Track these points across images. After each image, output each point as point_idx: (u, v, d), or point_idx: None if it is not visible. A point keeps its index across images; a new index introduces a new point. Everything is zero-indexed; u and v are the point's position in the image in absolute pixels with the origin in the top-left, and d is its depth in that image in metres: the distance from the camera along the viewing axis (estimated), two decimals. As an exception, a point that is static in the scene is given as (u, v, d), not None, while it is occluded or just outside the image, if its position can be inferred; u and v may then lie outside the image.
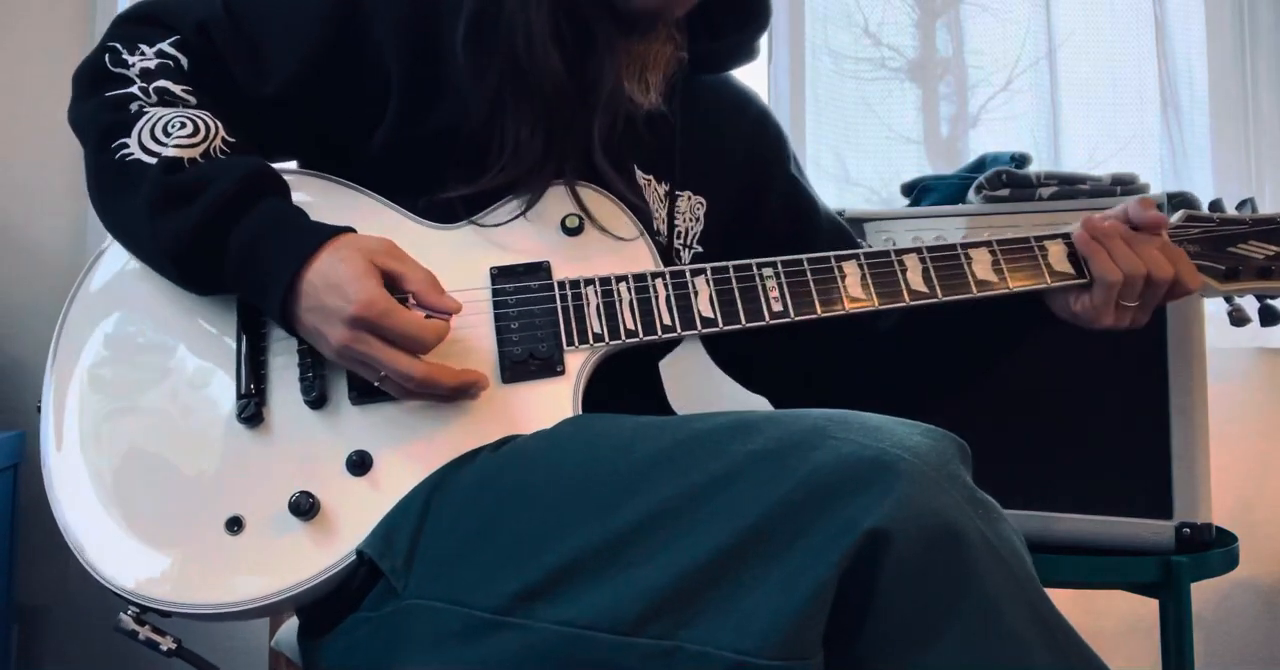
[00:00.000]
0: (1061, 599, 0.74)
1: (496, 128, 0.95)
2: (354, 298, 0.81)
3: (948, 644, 0.66)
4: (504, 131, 0.95)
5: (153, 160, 0.88)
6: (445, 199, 0.95)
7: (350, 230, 0.87)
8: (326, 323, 0.82)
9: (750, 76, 1.21)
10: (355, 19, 0.95)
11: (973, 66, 2.15)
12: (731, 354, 1.19)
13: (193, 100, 0.94)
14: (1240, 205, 1.06)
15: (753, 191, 1.14)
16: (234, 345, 0.90)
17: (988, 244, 0.98)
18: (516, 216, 0.96)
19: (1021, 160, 1.48)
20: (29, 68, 2.03)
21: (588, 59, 0.96)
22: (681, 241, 1.08)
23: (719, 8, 1.07)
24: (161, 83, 0.93)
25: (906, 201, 1.61)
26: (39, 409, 0.91)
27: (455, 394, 0.86)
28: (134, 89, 0.93)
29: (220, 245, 0.85)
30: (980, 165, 1.54)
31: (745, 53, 1.13)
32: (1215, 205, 1.06)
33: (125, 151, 0.89)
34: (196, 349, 0.91)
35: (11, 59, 2.03)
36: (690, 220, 1.09)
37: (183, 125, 0.90)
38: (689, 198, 1.09)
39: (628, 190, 0.99)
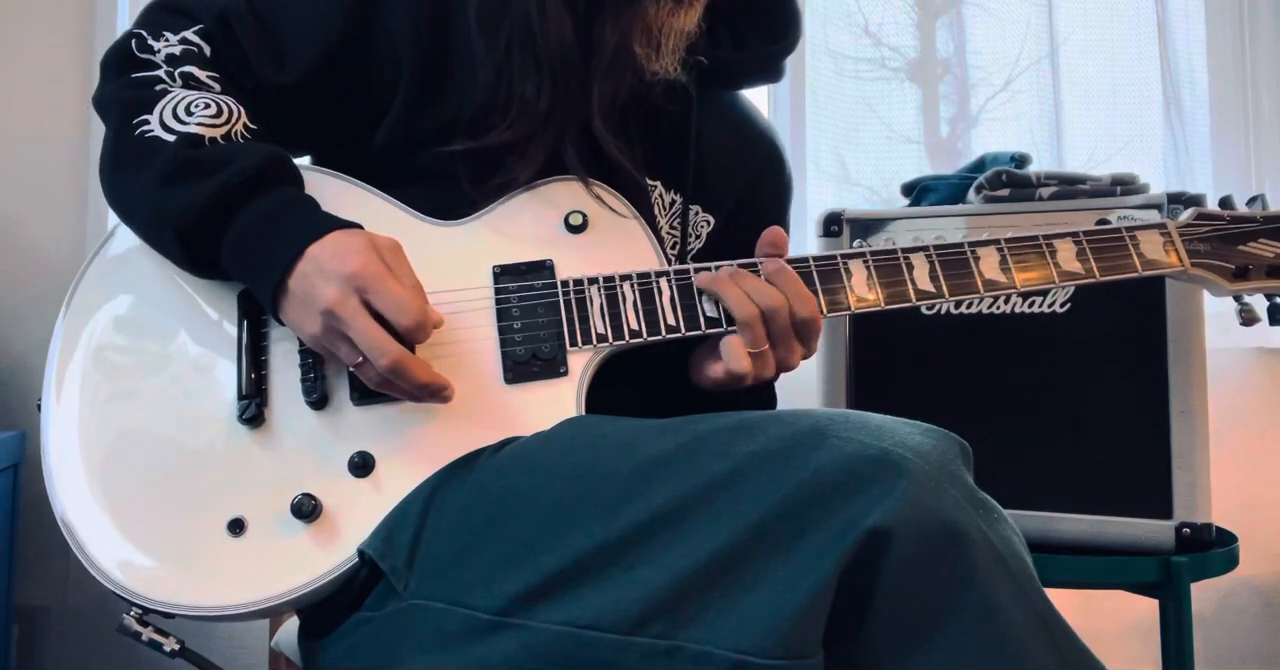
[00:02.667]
0: (1061, 599, 0.74)
1: (502, 88, 0.95)
2: (355, 260, 0.81)
3: (947, 643, 0.66)
4: (510, 90, 0.95)
5: (172, 138, 0.89)
6: (448, 153, 0.94)
7: (359, 226, 0.88)
8: (318, 284, 0.82)
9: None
10: (372, 9, 0.96)
11: (973, 66, 2.15)
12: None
13: (217, 87, 0.95)
14: (1251, 202, 1.05)
15: (740, 218, 1.13)
16: (234, 345, 0.90)
17: (995, 242, 0.97)
18: (519, 189, 0.96)
19: (1021, 160, 1.48)
20: (29, 68, 2.03)
21: (594, 23, 0.96)
22: (674, 252, 1.07)
23: (746, 22, 1.07)
24: (187, 68, 0.94)
25: (906, 201, 1.61)
26: (39, 407, 0.91)
27: (421, 392, 0.84)
28: (159, 72, 0.94)
29: (227, 220, 0.86)
30: (980, 165, 1.53)
31: (766, 70, 1.12)
32: (1225, 202, 1.05)
33: (145, 128, 0.90)
34: (198, 349, 0.91)
35: (11, 59, 2.03)
36: (692, 238, 1.08)
37: (206, 106, 0.91)
38: (697, 213, 1.08)
39: (626, 159, 0.98)
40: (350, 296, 0.81)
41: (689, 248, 1.07)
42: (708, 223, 1.09)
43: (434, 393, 0.84)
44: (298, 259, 0.83)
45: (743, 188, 1.12)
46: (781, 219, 1.19)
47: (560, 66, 0.95)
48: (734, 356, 0.90)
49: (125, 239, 0.96)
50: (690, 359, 0.99)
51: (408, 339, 0.82)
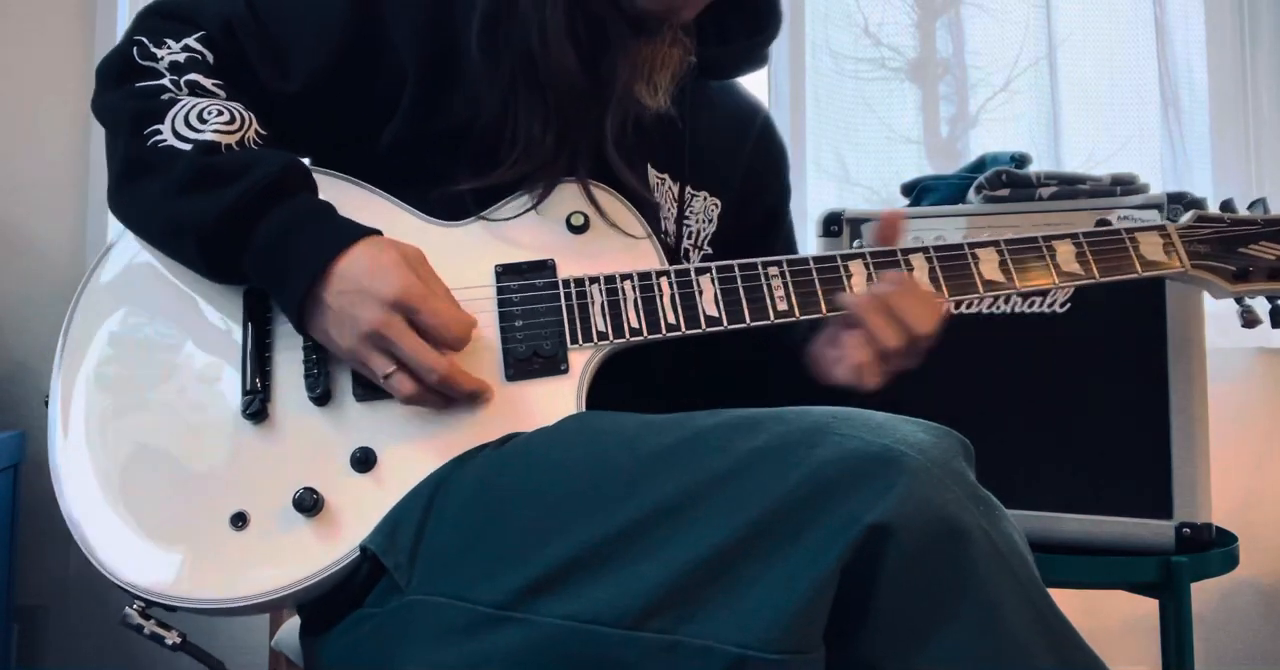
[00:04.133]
0: (1061, 599, 0.74)
1: (509, 122, 0.96)
2: (398, 280, 0.83)
3: (948, 639, 0.66)
4: (516, 126, 0.95)
5: (186, 146, 0.88)
6: (457, 192, 0.95)
7: (379, 232, 0.88)
8: (360, 305, 0.82)
9: (750, 76, 1.21)
10: (375, 16, 0.96)
11: (973, 66, 2.15)
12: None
13: (223, 94, 0.94)
14: (1252, 205, 1.06)
15: (746, 200, 1.15)
16: (239, 341, 0.91)
17: (995, 244, 0.97)
18: (526, 211, 0.96)
19: (1021, 160, 1.48)
20: (29, 68, 2.03)
21: (601, 56, 0.97)
22: (692, 242, 1.08)
23: (729, 13, 1.08)
24: (192, 76, 0.94)
25: (906, 201, 1.61)
26: (46, 402, 0.91)
27: (467, 399, 0.87)
28: (165, 81, 0.93)
29: (250, 229, 0.86)
30: (980, 165, 1.54)
31: (753, 60, 1.13)
32: (1226, 205, 1.05)
33: (158, 138, 0.89)
34: (202, 345, 0.92)
35: (12, 59, 2.03)
36: (704, 222, 1.09)
37: (220, 113, 0.91)
38: (705, 198, 1.09)
39: (639, 185, 0.99)
40: (395, 317, 0.83)
41: (695, 237, 1.08)
42: (716, 205, 1.10)
43: (475, 397, 0.87)
44: (329, 271, 0.84)
45: (744, 167, 1.14)
46: (783, 186, 1.21)
47: (567, 101, 0.95)
48: (864, 373, 0.91)
49: (133, 239, 0.96)
50: (812, 352, 0.98)
51: (451, 349, 0.85)
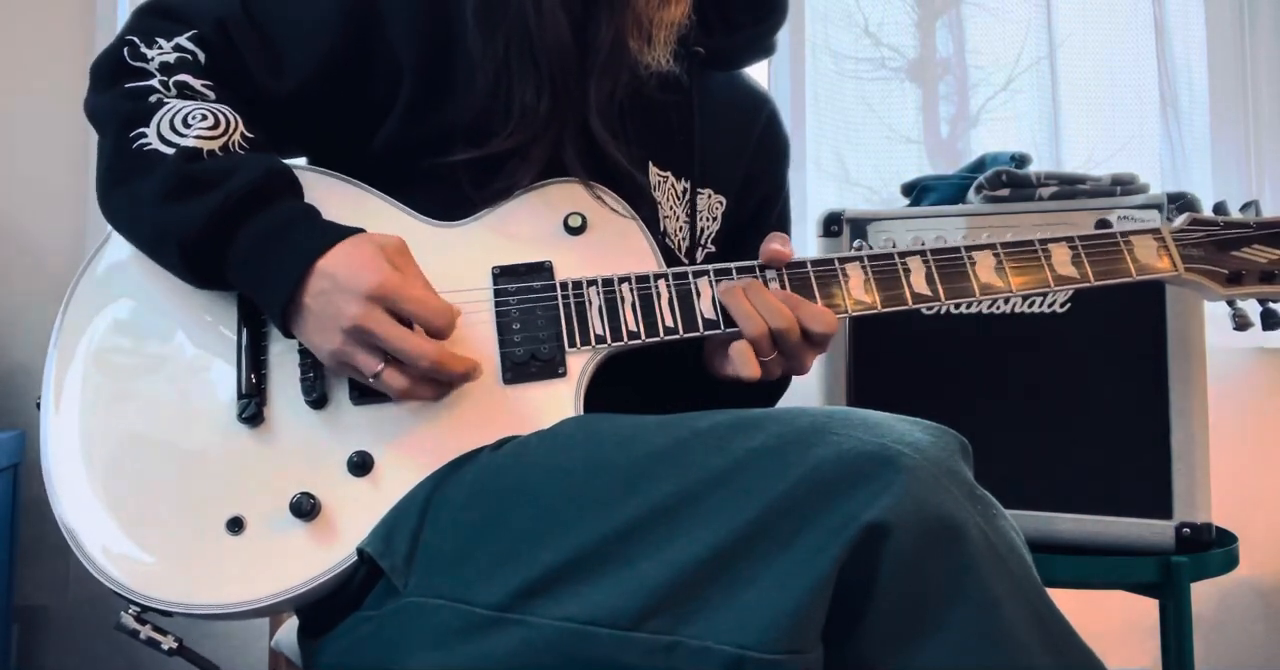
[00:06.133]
0: (1061, 599, 0.74)
1: (502, 93, 0.95)
2: (374, 273, 0.82)
3: (945, 639, 0.66)
4: (510, 96, 0.95)
5: (170, 150, 0.88)
6: (450, 164, 0.95)
7: (362, 230, 0.87)
8: (339, 301, 0.82)
9: (751, 75, 1.21)
10: (370, 15, 0.96)
11: (973, 66, 2.15)
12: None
13: (212, 95, 0.94)
14: (1244, 208, 1.06)
15: (744, 194, 1.15)
16: (234, 345, 0.90)
17: (991, 246, 0.98)
18: (519, 191, 0.96)
19: (1021, 160, 1.48)
20: (30, 67, 2.03)
21: (591, 18, 0.97)
22: (698, 240, 1.08)
23: (735, 4, 1.08)
24: (181, 77, 0.93)
25: (906, 201, 1.61)
26: (38, 405, 0.91)
27: (461, 381, 0.86)
28: (154, 82, 0.93)
29: (231, 235, 0.85)
30: (980, 165, 1.53)
31: (760, 48, 1.13)
32: (1219, 208, 1.06)
33: (143, 141, 0.89)
34: (197, 349, 0.91)
35: (12, 58, 2.03)
36: (708, 219, 1.09)
37: (204, 117, 0.90)
38: (709, 196, 1.09)
39: (624, 158, 0.98)
40: (375, 308, 0.82)
41: (699, 235, 1.08)
42: (720, 203, 1.10)
43: (469, 379, 0.87)
44: (307, 274, 0.83)
45: (748, 160, 1.14)
46: (776, 179, 1.21)
47: (559, 67, 0.95)
48: (742, 363, 0.91)
49: (123, 241, 0.95)
50: (705, 345, 0.99)
51: (436, 338, 0.84)
